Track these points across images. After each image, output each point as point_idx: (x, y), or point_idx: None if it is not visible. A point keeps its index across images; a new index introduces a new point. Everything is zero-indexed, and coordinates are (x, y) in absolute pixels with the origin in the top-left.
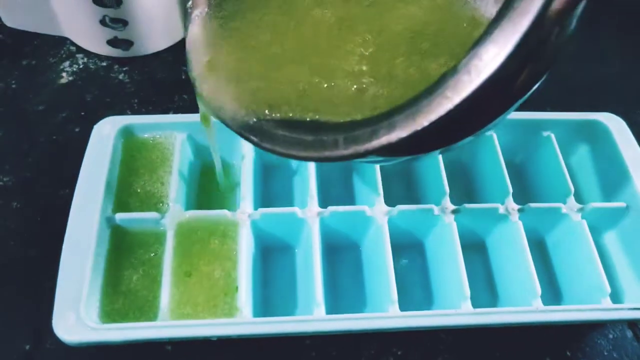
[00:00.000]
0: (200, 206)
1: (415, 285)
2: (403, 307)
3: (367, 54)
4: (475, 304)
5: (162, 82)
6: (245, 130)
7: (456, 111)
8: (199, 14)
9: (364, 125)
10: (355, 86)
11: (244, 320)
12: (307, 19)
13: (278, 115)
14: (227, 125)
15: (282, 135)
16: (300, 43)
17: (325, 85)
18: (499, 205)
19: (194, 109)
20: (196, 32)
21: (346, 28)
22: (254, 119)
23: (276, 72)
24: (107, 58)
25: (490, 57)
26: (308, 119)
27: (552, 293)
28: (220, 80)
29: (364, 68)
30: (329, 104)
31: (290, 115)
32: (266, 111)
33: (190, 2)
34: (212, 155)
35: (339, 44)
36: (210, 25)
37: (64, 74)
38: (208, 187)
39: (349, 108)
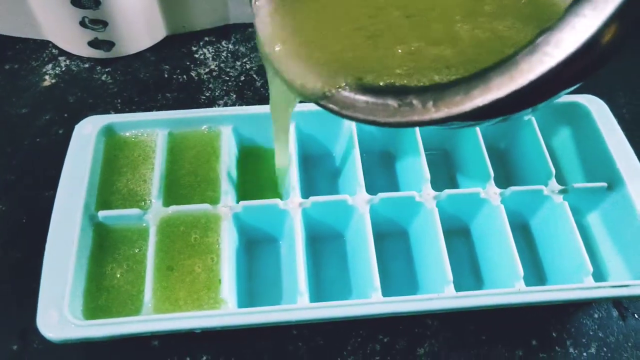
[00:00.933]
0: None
1: (399, 273)
2: (387, 294)
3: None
4: (460, 289)
5: (145, 82)
6: (325, 101)
7: (558, 68)
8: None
9: (453, 87)
10: (433, 50)
11: (227, 311)
12: None
13: (359, 82)
14: (306, 98)
15: (364, 101)
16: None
17: (404, 49)
18: (480, 189)
19: (177, 107)
20: (266, 10)
21: None
22: (334, 89)
23: (353, 39)
24: (89, 60)
25: (594, 14)
26: (389, 84)
27: (537, 275)
28: (296, 54)
29: (438, 31)
30: (411, 68)
31: (372, 80)
32: (347, 79)
33: None
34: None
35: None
36: (279, 2)
37: (46, 77)
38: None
39: (431, 71)
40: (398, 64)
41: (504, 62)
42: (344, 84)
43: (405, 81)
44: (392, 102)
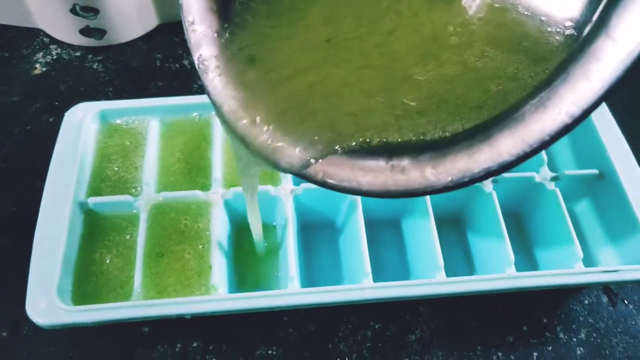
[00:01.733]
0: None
1: (391, 260)
2: (379, 280)
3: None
4: (451, 276)
5: (137, 70)
6: (310, 173)
7: (575, 124)
8: (215, 65)
9: (451, 148)
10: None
11: (216, 296)
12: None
13: (346, 145)
14: (287, 171)
15: (351, 167)
16: (363, 56)
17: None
18: None
19: (169, 95)
20: (223, 85)
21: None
22: (319, 156)
23: (342, 98)
24: (80, 48)
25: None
26: (378, 143)
27: (528, 261)
28: (275, 125)
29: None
30: (386, 123)
31: (353, 142)
32: (334, 145)
33: (198, 61)
34: (251, 222)
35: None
36: (237, 71)
37: (37, 65)
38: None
39: (412, 125)
40: (378, 119)
41: (506, 120)
42: (326, 150)
43: (387, 137)
44: (383, 167)
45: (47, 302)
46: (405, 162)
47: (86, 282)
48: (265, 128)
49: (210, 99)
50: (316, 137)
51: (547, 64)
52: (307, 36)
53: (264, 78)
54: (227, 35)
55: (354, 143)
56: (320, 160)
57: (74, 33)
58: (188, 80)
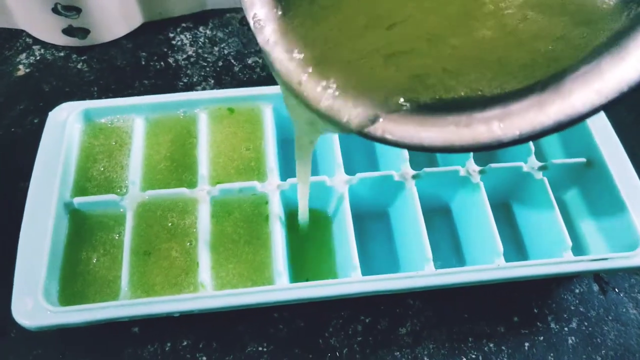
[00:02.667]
0: None
1: (379, 253)
2: (368, 274)
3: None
4: (441, 267)
5: (122, 69)
6: (374, 131)
7: None
8: (272, 30)
9: (518, 100)
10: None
11: (204, 294)
12: None
13: (408, 101)
14: (350, 131)
15: (417, 124)
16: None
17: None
18: (459, 167)
19: (155, 93)
20: (280, 45)
21: None
22: (384, 112)
23: (405, 45)
24: (64, 48)
25: None
26: (449, 97)
27: (518, 251)
28: (335, 83)
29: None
30: (475, 72)
31: (421, 97)
32: (400, 100)
33: (252, 21)
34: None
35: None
36: (297, 32)
37: (20, 66)
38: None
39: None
40: (433, 79)
41: (580, 70)
42: (390, 107)
43: (455, 92)
44: (447, 122)
45: (33, 304)
46: (470, 117)
47: (73, 282)
48: (324, 86)
49: (267, 59)
50: (376, 95)
51: (596, 25)
52: None
53: (324, 36)
54: None
55: (414, 100)
56: (380, 119)
57: (57, 33)
58: (174, 79)
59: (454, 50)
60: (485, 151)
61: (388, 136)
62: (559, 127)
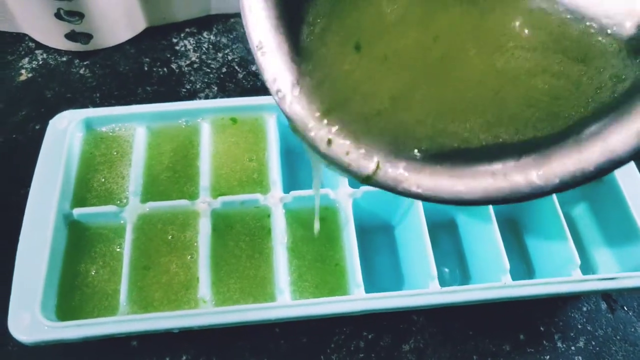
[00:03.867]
0: None
1: (384, 268)
2: (372, 290)
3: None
4: (446, 283)
5: (125, 75)
6: (394, 183)
7: None
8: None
9: (557, 146)
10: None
11: (205, 310)
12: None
13: (432, 149)
14: (370, 184)
15: (453, 174)
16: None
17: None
18: None
19: (157, 100)
20: (301, 107)
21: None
22: (404, 163)
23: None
24: (67, 53)
25: None
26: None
27: (525, 268)
28: (354, 139)
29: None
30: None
31: (450, 144)
32: (415, 150)
33: (275, 87)
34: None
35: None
36: (313, 85)
37: (22, 71)
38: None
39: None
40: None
41: (611, 114)
42: (409, 154)
43: (483, 141)
44: (482, 172)
45: (30, 318)
46: (504, 166)
47: (71, 296)
48: (341, 140)
49: (290, 119)
50: (397, 146)
51: (595, 62)
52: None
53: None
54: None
55: (438, 148)
56: (410, 172)
57: (60, 38)
58: (177, 85)
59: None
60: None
61: (416, 189)
62: (600, 172)
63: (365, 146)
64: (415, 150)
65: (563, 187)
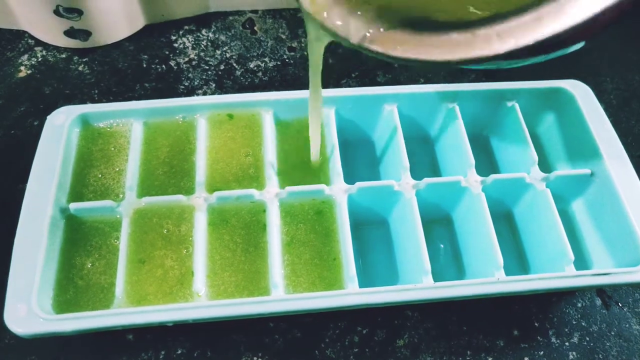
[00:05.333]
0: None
1: (378, 263)
2: (366, 285)
3: None
4: (441, 279)
5: (124, 72)
6: (370, 43)
7: None
8: None
9: (516, 15)
10: None
11: (199, 304)
12: None
13: (406, 16)
14: (345, 43)
15: (416, 38)
16: None
17: None
18: (461, 178)
19: (156, 97)
20: None
21: None
22: (381, 28)
23: None
24: (66, 50)
25: None
26: (440, 17)
27: (519, 264)
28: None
29: None
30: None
31: (422, 12)
32: (394, 15)
33: None
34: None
35: None
36: None
37: (22, 68)
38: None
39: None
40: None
41: None
42: (391, 21)
43: (445, 14)
44: (453, 36)
45: (27, 311)
46: (470, 33)
47: (67, 289)
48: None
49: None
50: (381, 12)
51: None
52: None
53: None
54: None
55: (414, 17)
56: (384, 34)
57: (59, 34)
58: (175, 82)
59: None
60: (481, 65)
61: (391, 52)
62: (554, 38)
63: (359, 15)
64: (397, 20)
65: (517, 50)
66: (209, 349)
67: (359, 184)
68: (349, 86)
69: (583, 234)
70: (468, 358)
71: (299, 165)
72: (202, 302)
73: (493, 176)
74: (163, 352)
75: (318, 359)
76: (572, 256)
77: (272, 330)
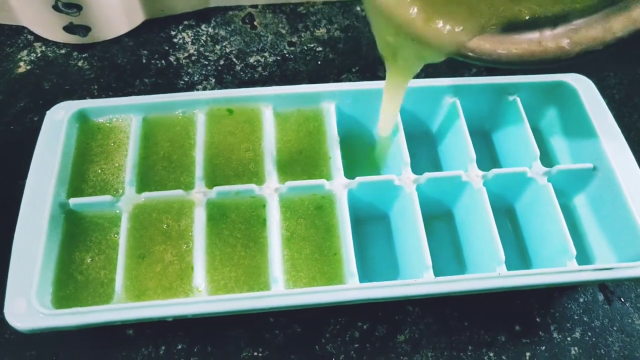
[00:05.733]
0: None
1: (379, 258)
2: (367, 280)
3: None
4: (441, 274)
5: (123, 67)
6: (464, 50)
7: None
8: None
9: (585, 18)
10: None
11: (200, 299)
12: None
13: (500, 22)
14: (447, 52)
15: (511, 42)
16: None
17: None
18: (461, 172)
19: (155, 92)
20: None
21: None
22: (472, 35)
23: None
24: (65, 45)
25: None
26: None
27: (521, 259)
28: (430, 12)
29: None
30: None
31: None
32: (477, 25)
33: None
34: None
35: None
36: None
37: (21, 64)
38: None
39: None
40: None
41: None
42: (482, 27)
43: (519, 15)
44: (521, 40)
45: (26, 306)
46: (541, 34)
47: (66, 284)
48: (417, 11)
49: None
50: (463, 20)
51: None
52: None
53: None
54: None
55: (492, 23)
56: (466, 39)
57: (58, 30)
58: (175, 77)
59: None
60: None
61: (470, 53)
62: (619, 41)
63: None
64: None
65: (585, 52)
66: (209, 344)
67: (359, 179)
68: (350, 81)
69: (585, 228)
70: (469, 353)
71: (298, 159)
72: (202, 297)
73: (494, 171)
74: (163, 348)
75: (318, 354)
76: (574, 251)
77: (273, 325)
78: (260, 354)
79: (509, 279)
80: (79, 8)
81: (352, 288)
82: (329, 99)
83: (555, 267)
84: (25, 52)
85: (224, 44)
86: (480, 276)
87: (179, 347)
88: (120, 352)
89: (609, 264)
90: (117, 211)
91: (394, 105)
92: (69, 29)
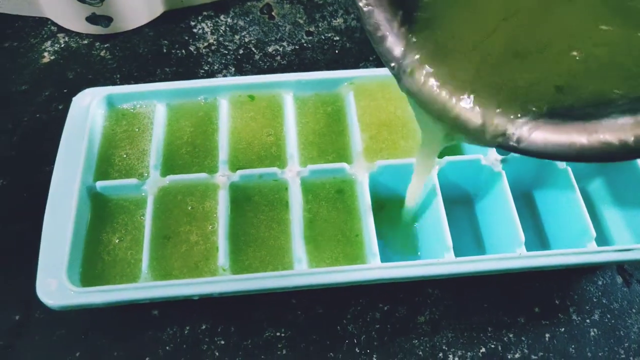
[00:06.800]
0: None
1: (400, 242)
2: (388, 261)
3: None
4: (461, 256)
5: (144, 57)
6: (506, 141)
7: None
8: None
9: None
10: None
11: (224, 277)
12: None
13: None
14: (486, 143)
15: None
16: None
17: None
18: (481, 156)
19: (176, 80)
20: (421, 76)
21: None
22: (516, 124)
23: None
24: (88, 36)
25: None
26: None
27: (540, 243)
28: (468, 105)
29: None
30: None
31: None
32: (528, 107)
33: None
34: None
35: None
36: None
37: (45, 54)
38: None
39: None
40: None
41: None
42: (526, 113)
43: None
44: (580, 129)
45: (57, 284)
46: (599, 125)
47: (94, 265)
48: (462, 100)
49: (411, 92)
50: (515, 106)
51: None
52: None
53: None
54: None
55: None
56: (519, 128)
57: (81, 21)
58: (195, 66)
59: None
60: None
61: (528, 146)
62: None
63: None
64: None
65: None
66: (233, 325)
67: (379, 162)
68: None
69: (604, 211)
70: (489, 334)
71: (320, 143)
72: (227, 276)
73: (513, 155)
74: (188, 328)
75: (340, 334)
76: (594, 233)
77: (295, 306)
78: (282, 334)
79: (529, 259)
80: None
81: (374, 267)
82: (347, 86)
83: (575, 249)
84: (49, 42)
85: (243, 33)
86: (501, 256)
87: (203, 327)
88: (147, 332)
89: (628, 246)
90: (143, 194)
91: (422, 178)
92: (92, 19)
